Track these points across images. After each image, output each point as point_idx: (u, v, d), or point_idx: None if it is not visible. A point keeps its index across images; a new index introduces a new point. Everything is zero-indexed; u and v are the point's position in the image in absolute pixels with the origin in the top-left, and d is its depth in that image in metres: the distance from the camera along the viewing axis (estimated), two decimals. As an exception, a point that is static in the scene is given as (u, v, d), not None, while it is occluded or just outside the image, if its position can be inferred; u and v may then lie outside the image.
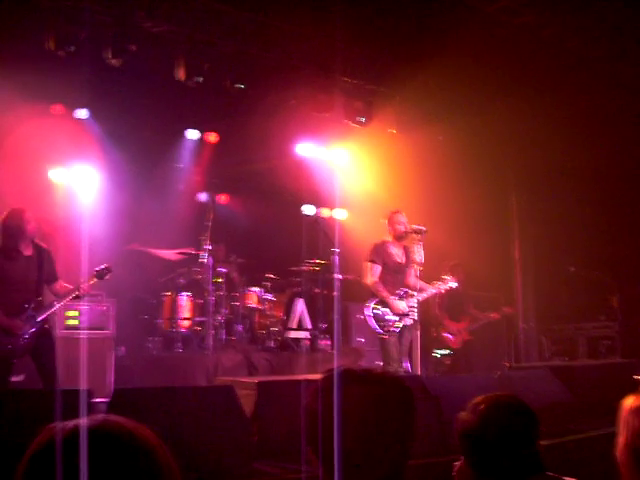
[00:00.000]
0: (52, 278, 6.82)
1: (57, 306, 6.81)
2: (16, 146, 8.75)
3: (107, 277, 6.98)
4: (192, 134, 11.56)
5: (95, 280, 6.89)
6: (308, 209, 11.41)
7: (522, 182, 11.84)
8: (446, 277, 8.43)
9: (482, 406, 2.61)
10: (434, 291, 8.35)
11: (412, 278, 8.26)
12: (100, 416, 1.34)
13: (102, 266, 6.95)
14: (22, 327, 6.47)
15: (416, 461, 4.94)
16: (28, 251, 6.68)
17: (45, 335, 6.65)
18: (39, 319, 6.58)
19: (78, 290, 6.75)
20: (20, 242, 6.62)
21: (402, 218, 8.28)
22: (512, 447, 2.54)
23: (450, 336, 10.70)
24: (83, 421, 1.30)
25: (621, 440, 2.38)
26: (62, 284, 6.87)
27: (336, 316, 9.27)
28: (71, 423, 1.32)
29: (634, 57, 10.14)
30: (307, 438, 1.98)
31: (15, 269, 6.57)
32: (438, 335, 10.77)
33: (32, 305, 6.57)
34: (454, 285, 8.44)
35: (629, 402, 2.42)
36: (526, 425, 2.60)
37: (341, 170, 12.13)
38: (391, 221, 8.30)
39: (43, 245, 6.82)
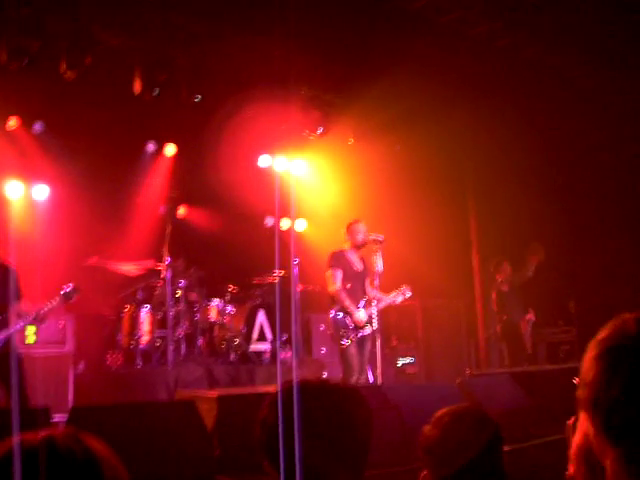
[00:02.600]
0: (15, 297, 6.66)
1: (15, 328, 6.63)
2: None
3: (74, 299, 6.78)
4: (150, 147, 11.49)
5: (58, 301, 6.69)
6: (268, 220, 11.39)
7: (479, 189, 11.93)
8: (403, 287, 8.44)
9: (445, 420, 2.61)
10: (390, 301, 8.36)
11: (369, 287, 8.28)
12: (43, 432, 1.32)
13: (69, 287, 6.73)
14: None
15: (379, 470, 4.94)
16: None
17: (6, 355, 6.50)
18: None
19: (37, 316, 6.57)
20: None
21: (361, 227, 8.31)
22: (475, 461, 2.55)
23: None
24: (17, 439, 1.28)
25: (575, 440, 2.40)
26: (26, 303, 6.71)
27: (294, 327, 9.27)
28: (8, 442, 1.30)
29: (589, 63, 10.30)
30: (264, 451, 1.97)
31: None
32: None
33: None
34: (409, 294, 8.46)
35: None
36: (489, 438, 2.61)
37: (300, 181, 12.13)
38: (350, 230, 8.33)
39: (6, 262, 6.69)
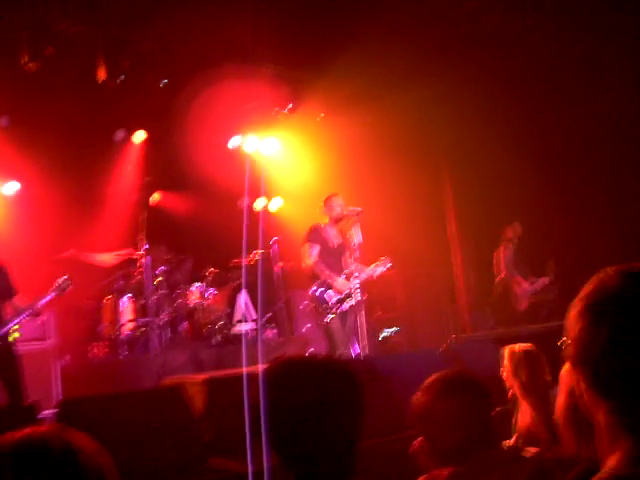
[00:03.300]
0: (8, 293, 6.64)
1: (13, 323, 6.60)
2: None
3: (68, 290, 6.80)
4: (119, 134, 11.37)
5: (54, 294, 6.71)
6: (242, 201, 11.34)
7: (454, 157, 11.93)
8: (382, 258, 8.43)
9: (434, 385, 2.62)
10: (370, 273, 8.33)
11: (349, 261, 8.28)
12: (27, 429, 1.32)
13: (62, 278, 6.78)
14: None
15: (372, 441, 4.97)
16: None
17: (4, 351, 6.49)
18: None
19: (33, 311, 6.58)
20: None
21: (338, 200, 8.29)
22: (466, 423, 2.56)
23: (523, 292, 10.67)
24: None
25: (559, 400, 2.42)
26: (22, 298, 6.70)
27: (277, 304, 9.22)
28: None
29: (553, 24, 10.28)
30: (253, 431, 1.96)
31: None
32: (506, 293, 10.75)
33: None
34: (389, 265, 8.44)
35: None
36: (477, 399, 2.62)
37: (273, 159, 12.08)
38: (327, 204, 8.31)
39: None
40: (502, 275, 10.86)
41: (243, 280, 10.53)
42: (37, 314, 6.76)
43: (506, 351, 4.82)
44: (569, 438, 2.34)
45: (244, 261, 10.51)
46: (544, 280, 10.76)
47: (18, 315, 6.60)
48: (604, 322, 1.30)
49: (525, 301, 10.76)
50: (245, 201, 9.76)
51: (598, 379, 1.31)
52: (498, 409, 4.53)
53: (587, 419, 1.39)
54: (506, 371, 4.79)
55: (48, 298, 6.66)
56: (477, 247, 12.10)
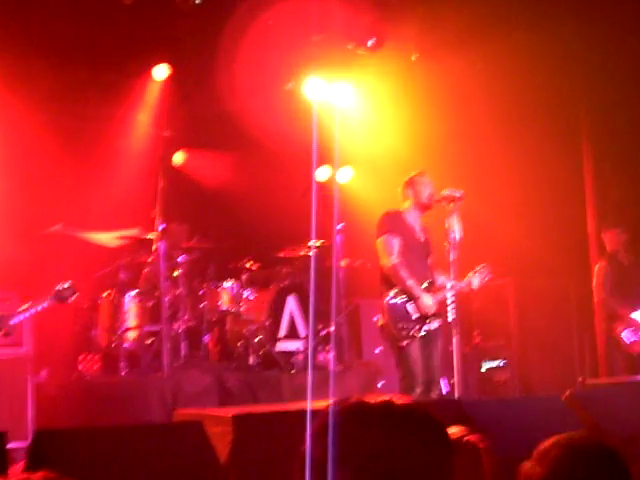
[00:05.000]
0: None
1: None
2: None
3: (70, 300, 6.84)
4: (134, 69, 11.46)
5: (47, 304, 6.76)
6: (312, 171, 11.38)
7: (598, 127, 11.75)
8: (480, 267, 8.35)
9: (552, 454, 2.60)
10: (462, 287, 8.27)
11: (433, 266, 8.29)
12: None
13: (64, 284, 6.82)
14: None
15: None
16: None
17: None
18: None
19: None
20: None
21: (427, 180, 8.28)
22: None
23: (633, 336, 10.52)
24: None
25: None
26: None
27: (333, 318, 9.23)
28: None
29: None
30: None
31: None
32: (611, 334, 10.60)
33: None
34: (488, 277, 8.38)
35: None
36: (612, 476, 2.60)
37: (344, 114, 12.09)
38: (412, 184, 8.30)
39: None
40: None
41: (292, 280, 10.57)
42: (7, 333, 6.79)
43: None
44: None
45: (298, 254, 10.54)
46: None
47: None
48: None
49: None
50: (314, 171, 9.72)
51: None
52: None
53: None
54: None
55: (32, 312, 6.68)
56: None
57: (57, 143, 10.20)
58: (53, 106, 10.29)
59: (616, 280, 10.45)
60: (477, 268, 8.35)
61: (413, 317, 8.00)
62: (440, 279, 8.17)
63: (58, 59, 10.28)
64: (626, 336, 10.27)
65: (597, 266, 10.70)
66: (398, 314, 8.02)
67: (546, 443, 2.64)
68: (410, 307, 8.02)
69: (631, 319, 10.29)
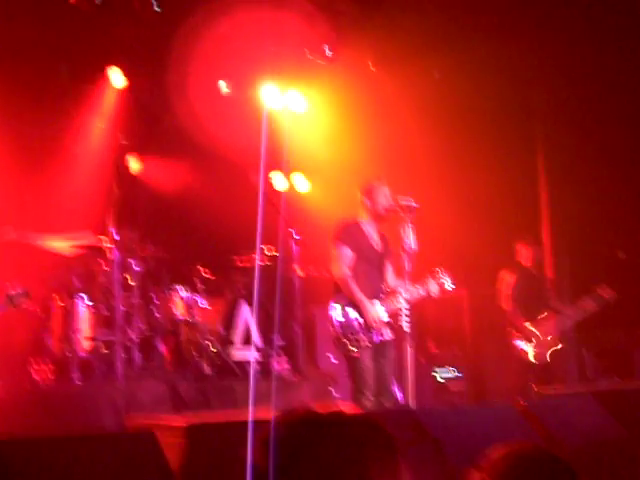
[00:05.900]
0: None
1: None
2: None
3: (22, 306, 6.82)
4: (90, 76, 11.42)
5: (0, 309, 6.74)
6: (256, 176, 11.38)
7: (553, 135, 11.85)
8: (437, 272, 8.36)
9: (503, 464, 2.61)
10: (420, 293, 8.28)
11: (390, 274, 8.29)
12: None
13: (16, 289, 6.79)
14: None
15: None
16: None
17: None
18: None
19: None
20: None
21: (384, 190, 8.29)
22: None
23: (528, 346, 10.55)
24: None
25: None
26: None
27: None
28: None
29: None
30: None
31: None
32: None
33: None
34: (449, 285, 8.40)
35: None
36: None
37: (299, 122, 12.10)
38: (368, 194, 8.30)
39: None
40: None
41: (246, 289, 10.57)
42: None
43: None
44: None
45: (252, 262, 10.53)
46: None
47: None
48: None
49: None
50: (260, 176, 9.73)
51: None
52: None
53: None
54: None
55: None
56: (573, 263, 12.04)
57: (10, 148, 10.14)
58: (7, 111, 10.21)
59: (523, 293, 10.52)
60: (435, 274, 8.34)
61: (362, 328, 8.00)
62: (398, 287, 8.17)
63: (12, 64, 10.21)
64: (520, 345, 10.43)
65: (505, 276, 10.66)
66: (348, 325, 8.03)
67: (496, 453, 2.65)
68: (359, 318, 8.02)
69: (528, 329, 10.45)
